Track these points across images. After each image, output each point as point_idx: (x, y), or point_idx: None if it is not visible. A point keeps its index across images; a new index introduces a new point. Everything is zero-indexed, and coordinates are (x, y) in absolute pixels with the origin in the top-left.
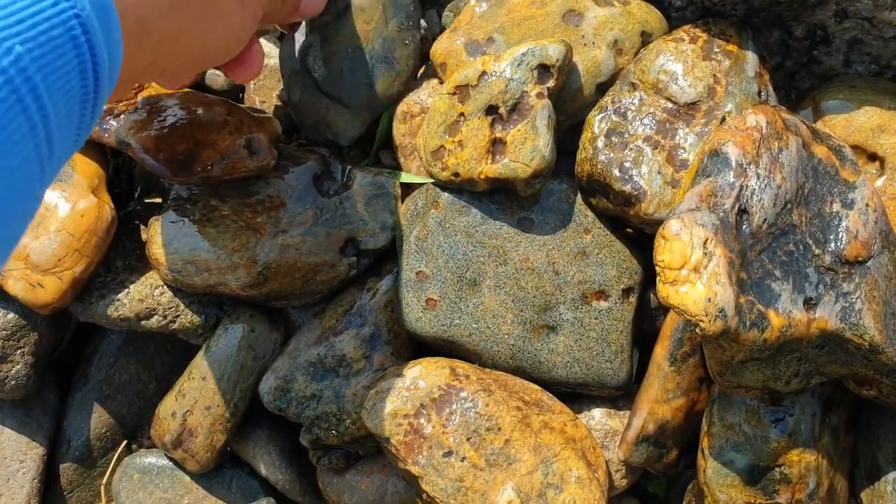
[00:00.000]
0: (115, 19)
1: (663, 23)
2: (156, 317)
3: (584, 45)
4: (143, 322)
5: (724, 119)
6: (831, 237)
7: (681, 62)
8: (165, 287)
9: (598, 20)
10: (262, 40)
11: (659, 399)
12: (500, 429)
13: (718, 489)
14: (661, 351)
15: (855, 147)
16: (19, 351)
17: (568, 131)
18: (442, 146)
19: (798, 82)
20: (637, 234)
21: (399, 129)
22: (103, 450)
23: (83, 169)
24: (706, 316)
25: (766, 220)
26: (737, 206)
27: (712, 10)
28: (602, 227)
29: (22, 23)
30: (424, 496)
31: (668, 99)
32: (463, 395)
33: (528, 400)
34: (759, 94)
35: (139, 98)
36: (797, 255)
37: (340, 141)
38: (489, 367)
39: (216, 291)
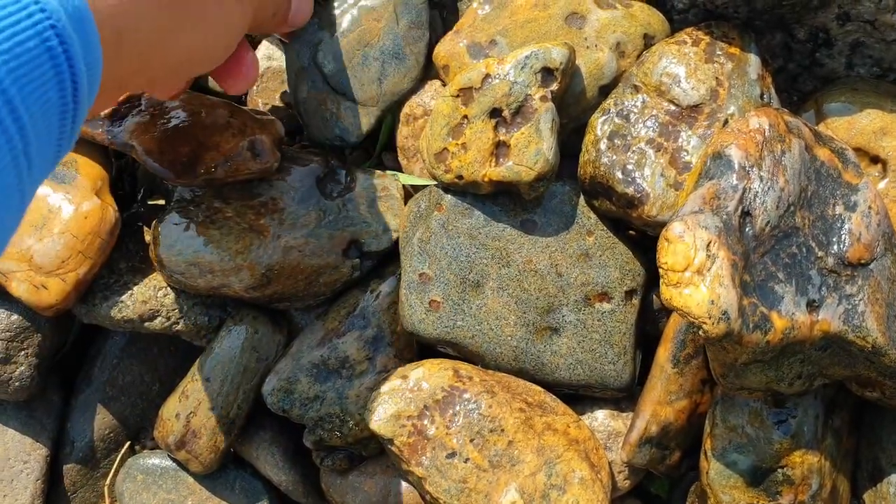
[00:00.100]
0: (92, 28)
1: (666, 25)
2: (159, 318)
3: (587, 47)
4: (146, 323)
5: (726, 122)
6: (834, 239)
7: (683, 65)
8: (169, 289)
9: (600, 23)
10: (264, 42)
11: (662, 401)
12: (503, 430)
13: (721, 490)
14: (663, 353)
15: (857, 150)
16: (23, 352)
17: (571, 134)
18: (445, 148)
19: (800, 85)
20: (640, 236)
21: (402, 132)
22: (107, 451)
23: (86, 171)
24: (709, 318)
25: (769, 222)
26: (740, 208)
27: (715, 13)
28: (605, 229)
29: None
30: (428, 497)
31: (671, 101)
32: (466, 396)
33: (532, 401)
34: (761, 96)
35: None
36: (800, 258)
37: (348, 137)
38: (492, 368)
39: (219, 293)
